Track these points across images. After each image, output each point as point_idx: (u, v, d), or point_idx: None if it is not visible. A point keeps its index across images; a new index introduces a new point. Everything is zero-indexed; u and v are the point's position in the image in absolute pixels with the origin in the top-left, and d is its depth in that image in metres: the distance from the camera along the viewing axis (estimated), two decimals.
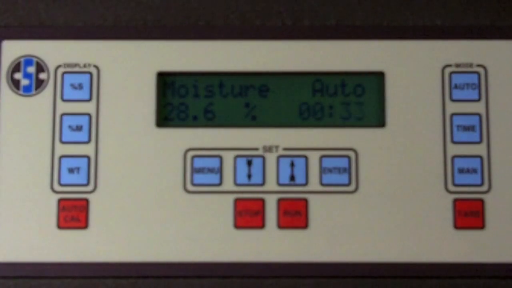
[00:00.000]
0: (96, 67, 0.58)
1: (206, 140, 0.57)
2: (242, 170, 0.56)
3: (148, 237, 0.56)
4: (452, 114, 0.57)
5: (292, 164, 0.56)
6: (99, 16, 0.58)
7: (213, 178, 0.56)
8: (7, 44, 0.58)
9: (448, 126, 0.57)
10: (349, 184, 0.56)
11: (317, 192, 0.56)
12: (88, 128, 0.57)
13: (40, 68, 0.58)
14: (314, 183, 0.56)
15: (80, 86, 0.57)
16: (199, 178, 0.56)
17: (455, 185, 0.56)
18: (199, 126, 0.57)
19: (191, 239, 0.56)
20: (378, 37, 0.58)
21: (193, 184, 0.56)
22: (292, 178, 0.56)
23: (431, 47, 0.58)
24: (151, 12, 0.58)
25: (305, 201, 0.56)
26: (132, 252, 0.56)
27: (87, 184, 0.56)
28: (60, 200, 0.56)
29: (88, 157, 0.57)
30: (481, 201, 0.56)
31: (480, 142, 0.57)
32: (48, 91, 0.57)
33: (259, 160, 0.56)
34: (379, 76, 0.58)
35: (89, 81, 0.57)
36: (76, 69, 0.58)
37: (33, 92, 0.57)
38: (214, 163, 0.56)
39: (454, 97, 0.57)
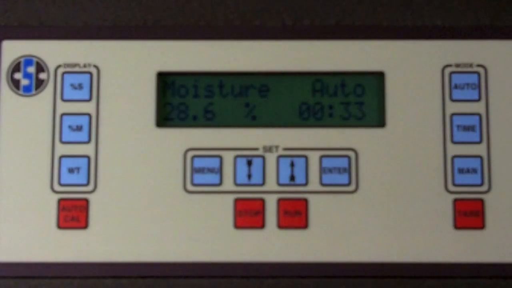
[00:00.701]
0: (96, 67, 0.58)
1: (206, 140, 0.57)
2: (242, 170, 0.56)
3: (148, 237, 0.56)
4: (452, 114, 0.57)
5: (292, 164, 0.56)
6: (99, 16, 0.58)
7: (213, 178, 0.56)
8: (7, 44, 0.58)
9: (448, 126, 0.57)
10: (349, 184, 0.56)
11: (317, 192, 0.56)
12: (88, 128, 0.57)
13: (40, 68, 0.58)
14: (314, 183, 0.56)
15: (80, 86, 0.57)
16: (199, 178, 0.56)
17: (455, 185, 0.56)
18: (199, 126, 0.57)
19: (191, 239, 0.56)
20: (378, 37, 0.58)
21: (193, 184, 0.56)
22: (292, 178, 0.56)
23: (431, 47, 0.58)
24: (151, 12, 0.58)
25: (305, 201, 0.56)
26: (132, 252, 0.56)
27: (87, 184, 0.56)
28: (60, 200, 0.56)
29: (88, 157, 0.57)
30: (481, 201, 0.56)
31: (480, 142, 0.57)
32: (48, 91, 0.57)
33: (259, 160, 0.56)
34: (379, 76, 0.58)
35: (89, 81, 0.57)
36: (76, 69, 0.58)
37: (33, 92, 0.57)
38: (214, 163, 0.56)
39: (454, 97, 0.57)
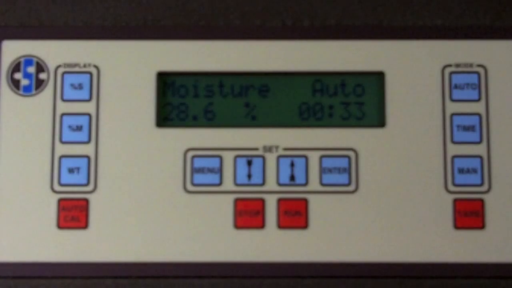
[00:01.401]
0: (96, 67, 0.58)
1: (206, 140, 0.57)
2: (242, 170, 0.56)
3: (148, 237, 0.56)
4: (452, 114, 0.57)
5: (292, 164, 0.56)
6: (99, 16, 0.59)
7: (213, 178, 0.56)
8: (7, 44, 0.58)
9: (448, 126, 0.57)
10: (349, 184, 0.56)
11: (317, 192, 0.56)
12: (88, 128, 0.57)
13: (40, 68, 0.58)
14: (314, 183, 0.56)
15: (80, 86, 0.57)
16: (199, 178, 0.56)
17: (455, 185, 0.56)
18: (199, 126, 0.57)
19: (191, 239, 0.56)
20: (378, 37, 0.58)
21: (193, 184, 0.56)
22: (292, 178, 0.56)
23: (431, 47, 0.58)
24: (151, 12, 0.59)
25: (305, 201, 0.56)
26: (132, 252, 0.56)
27: (87, 184, 0.56)
28: (60, 200, 0.56)
29: (88, 157, 0.57)
30: (481, 201, 0.56)
31: (480, 142, 0.57)
32: (48, 91, 0.57)
33: (259, 160, 0.56)
34: (379, 76, 0.58)
35: (89, 81, 0.58)
36: (76, 69, 0.58)
37: (33, 92, 0.57)
38: (214, 163, 0.56)
39: (454, 97, 0.57)
